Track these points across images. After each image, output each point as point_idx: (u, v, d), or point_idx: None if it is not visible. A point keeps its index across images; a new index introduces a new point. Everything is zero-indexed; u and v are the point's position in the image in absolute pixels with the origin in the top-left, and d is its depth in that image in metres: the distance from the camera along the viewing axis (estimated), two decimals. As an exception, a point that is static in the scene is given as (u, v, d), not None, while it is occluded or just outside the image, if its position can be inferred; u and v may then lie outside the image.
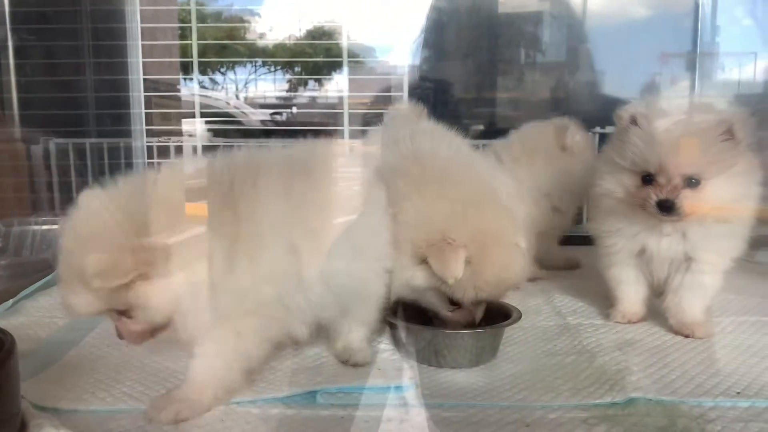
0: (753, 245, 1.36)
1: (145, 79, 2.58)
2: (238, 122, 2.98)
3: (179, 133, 2.64)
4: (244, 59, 3.04)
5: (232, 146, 1.16)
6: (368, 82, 2.78)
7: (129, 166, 2.55)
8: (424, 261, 1.15)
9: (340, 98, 2.73)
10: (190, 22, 2.60)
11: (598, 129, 2.43)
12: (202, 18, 2.76)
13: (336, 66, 2.88)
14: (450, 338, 1.18)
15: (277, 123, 3.01)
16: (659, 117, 1.27)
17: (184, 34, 2.64)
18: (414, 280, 1.18)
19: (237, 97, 3.14)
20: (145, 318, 0.98)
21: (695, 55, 2.60)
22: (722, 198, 1.26)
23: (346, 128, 2.60)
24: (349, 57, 2.64)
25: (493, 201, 1.24)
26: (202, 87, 2.86)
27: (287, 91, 3.11)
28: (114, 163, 2.51)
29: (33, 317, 1.43)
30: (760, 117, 1.31)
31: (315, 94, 3.10)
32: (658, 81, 2.65)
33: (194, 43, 2.57)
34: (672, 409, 1.00)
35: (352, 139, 2.54)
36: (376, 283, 1.18)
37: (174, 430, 0.95)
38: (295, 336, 1.10)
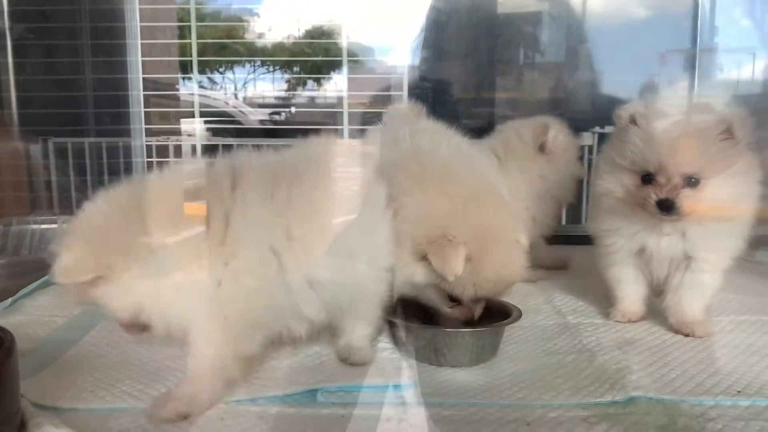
0: (753, 244, 1.36)
1: (144, 78, 2.58)
2: (237, 122, 2.98)
3: (178, 133, 2.64)
4: (243, 59, 3.03)
5: (231, 146, 1.17)
6: (367, 82, 2.78)
7: (128, 165, 2.55)
8: (424, 258, 1.15)
9: (339, 98, 2.73)
10: (188, 21, 2.60)
11: (597, 129, 2.44)
12: (200, 17, 2.75)
13: (335, 66, 2.88)
14: (450, 337, 1.18)
15: (275, 123, 3.01)
16: (659, 116, 1.27)
17: (182, 33, 2.64)
18: (414, 276, 1.18)
19: (236, 96, 3.13)
20: (112, 316, 1.02)
21: (695, 52, 2.60)
22: (722, 197, 1.26)
23: (345, 128, 2.60)
24: (348, 57, 2.64)
25: (493, 198, 1.24)
26: (201, 87, 2.85)
27: (286, 90, 3.10)
28: (113, 163, 2.51)
29: (32, 316, 1.43)
30: (759, 116, 1.31)
31: (314, 93, 3.09)
32: (657, 81, 2.65)
33: (194, 42, 2.56)
34: (672, 407, 1.00)
35: (352, 138, 2.54)
36: (376, 281, 1.18)
37: (174, 428, 0.94)
38: (292, 333, 1.12)
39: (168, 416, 0.96)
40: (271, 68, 3.10)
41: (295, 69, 3.09)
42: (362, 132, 2.04)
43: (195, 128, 2.61)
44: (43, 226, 2.13)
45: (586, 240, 1.52)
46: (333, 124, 2.72)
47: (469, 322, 1.22)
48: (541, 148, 1.75)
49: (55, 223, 2.13)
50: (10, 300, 1.50)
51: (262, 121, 3.02)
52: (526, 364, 1.19)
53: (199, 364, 1.01)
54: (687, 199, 1.23)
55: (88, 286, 0.98)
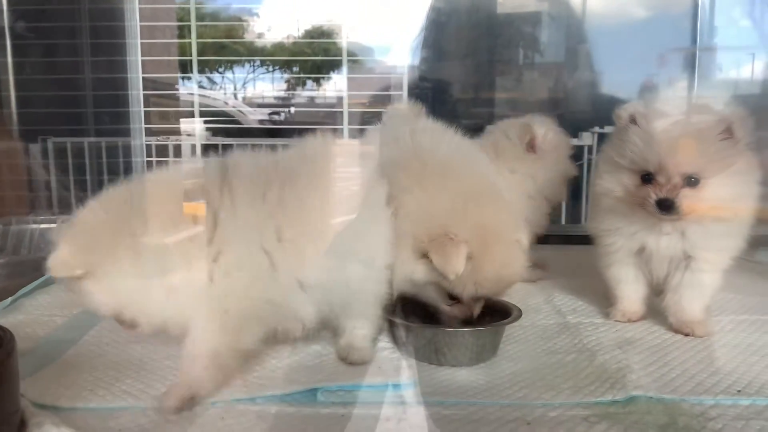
0: (752, 244, 1.36)
1: (143, 78, 2.58)
2: (236, 122, 2.97)
3: (178, 133, 2.64)
4: (243, 58, 3.03)
5: (231, 146, 1.18)
6: (367, 82, 2.78)
7: (127, 165, 2.55)
8: (425, 256, 1.15)
9: (339, 98, 2.73)
10: (188, 20, 2.60)
11: (597, 129, 2.44)
12: (200, 17, 2.75)
13: (334, 66, 2.88)
14: (450, 336, 1.18)
15: (275, 123, 3.01)
16: (658, 116, 1.27)
17: (182, 33, 2.64)
18: (415, 274, 1.18)
19: (235, 96, 3.13)
20: (98, 312, 1.06)
21: (695, 51, 2.60)
22: (721, 197, 1.26)
23: (345, 127, 2.60)
24: (347, 57, 2.64)
25: (494, 197, 1.24)
26: (201, 86, 2.85)
27: (285, 90, 3.10)
28: (112, 162, 2.51)
29: (32, 315, 1.43)
30: (759, 116, 1.31)
31: (313, 93, 3.09)
32: (656, 81, 2.65)
33: (193, 42, 2.56)
34: (673, 407, 1.00)
35: (352, 138, 2.54)
36: (372, 281, 1.18)
37: (175, 427, 0.94)
38: (287, 331, 1.13)
39: (175, 404, 0.97)
40: (270, 68, 3.10)
41: (295, 69, 3.09)
42: (362, 132, 2.04)
43: (194, 128, 2.61)
44: (43, 226, 2.12)
45: (585, 240, 1.52)
46: (333, 124, 2.71)
47: (468, 321, 1.22)
48: (529, 148, 1.73)
49: (55, 222, 2.12)
50: (9, 299, 1.50)
51: (261, 121, 3.01)
52: (526, 364, 1.19)
53: (190, 356, 1.03)
54: (687, 199, 1.23)
55: (79, 282, 1.02)
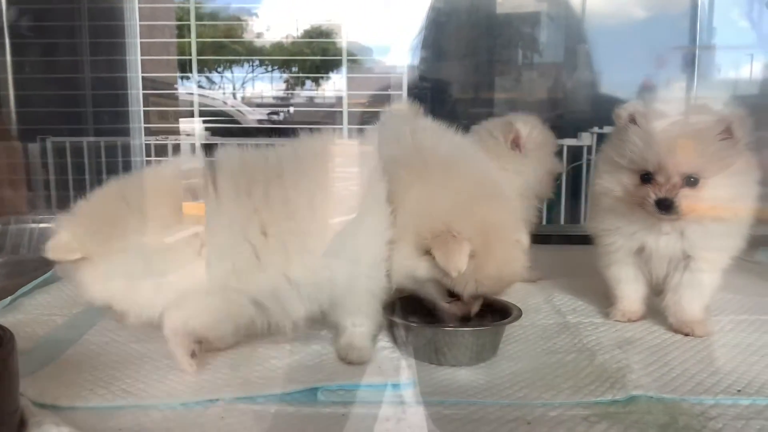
0: (752, 244, 1.36)
1: (143, 77, 2.58)
2: (235, 121, 2.97)
3: (177, 132, 2.64)
4: (242, 58, 3.03)
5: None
6: (366, 82, 2.78)
7: (126, 164, 2.55)
8: (427, 252, 1.15)
9: (338, 98, 2.73)
10: (187, 20, 2.60)
11: (596, 129, 2.44)
12: (199, 17, 2.75)
13: (334, 65, 2.88)
14: (450, 336, 1.18)
15: (274, 122, 3.01)
16: (658, 116, 1.28)
17: (181, 32, 2.64)
18: (416, 270, 1.18)
19: (234, 96, 3.13)
20: (90, 300, 1.12)
21: (694, 50, 2.60)
22: (721, 197, 1.26)
23: (345, 127, 2.60)
24: (347, 56, 2.64)
25: (497, 196, 1.24)
26: (200, 86, 2.85)
27: (284, 90, 3.10)
28: (111, 162, 2.51)
29: (31, 315, 1.42)
30: (758, 116, 1.31)
31: (312, 93, 3.09)
32: (655, 81, 2.65)
33: (193, 41, 2.56)
34: (673, 406, 1.00)
35: (351, 138, 2.54)
36: (365, 277, 1.19)
37: (175, 426, 0.94)
38: (278, 325, 1.16)
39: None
40: (269, 68, 3.10)
41: (294, 69, 3.09)
42: (361, 132, 2.04)
43: (194, 128, 2.61)
44: (42, 225, 2.12)
45: (585, 239, 1.52)
46: (332, 124, 2.71)
47: (466, 319, 1.23)
48: (514, 146, 1.73)
49: (54, 222, 2.12)
50: (9, 299, 1.50)
51: (260, 121, 3.01)
52: (526, 363, 1.19)
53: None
54: (686, 199, 1.24)
55: (76, 267, 1.08)
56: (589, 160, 2.45)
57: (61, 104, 2.57)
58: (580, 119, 2.57)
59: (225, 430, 0.93)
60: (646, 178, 1.27)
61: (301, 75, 3.05)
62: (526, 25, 2.80)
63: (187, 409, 1.00)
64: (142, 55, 2.56)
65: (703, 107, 1.33)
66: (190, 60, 2.61)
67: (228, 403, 1.00)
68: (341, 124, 2.63)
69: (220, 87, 3.13)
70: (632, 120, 1.29)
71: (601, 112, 2.38)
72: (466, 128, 1.53)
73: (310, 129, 1.29)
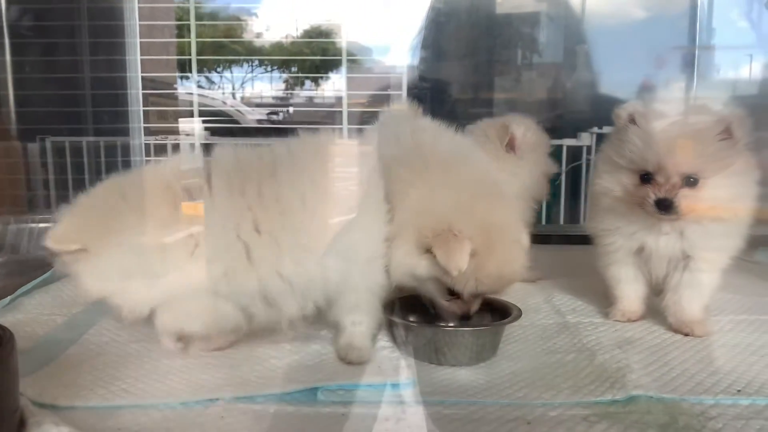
0: (751, 244, 1.36)
1: (142, 77, 2.58)
2: (235, 121, 2.97)
3: (176, 132, 2.64)
4: (241, 58, 3.03)
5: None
6: (366, 82, 2.78)
7: (126, 164, 2.55)
8: (428, 250, 1.15)
9: (337, 98, 2.73)
10: (187, 20, 2.60)
11: (595, 129, 2.44)
12: (199, 17, 2.75)
13: (333, 65, 2.88)
14: (450, 336, 1.18)
15: (273, 122, 3.01)
16: (657, 116, 1.28)
17: (181, 32, 2.64)
18: (417, 268, 1.18)
19: (233, 96, 3.13)
20: (85, 293, 1.13)
21: (694, 50, 2.60)
22: (720, 197, 1.26)
23: (344, 127, 2.60)
24: (346, 56, 2.64)
25: (498, 195, 1.24)
26: (199, 86, 2.85)
27: (284, 90, 3.10)
28: (111, 162, 2.51)
29: (31, 314, 1.42)
30: (758, 117, 1.31)
31: (312, 93, 3.10)
32: (655, 81, 2.66)
33: (192, 41, 2.56)
34: (673, 406, 1.00)
35: (350, 138, 2.54)
36: (361, 272, 1.19)
37: (175, 426, 0.94)
38: (273, 321, 1.17)
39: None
40: (269, 68, 3.10)
41: (293, 69, 3.09)
42: (360, 131, 2.04)
43: (193, 127, 2.61)
44: (41, 225, 2.12)
45: (585, 240, 1.52)
46: (331, 124, 2.72)
47: (465, 317, 1.23)
48: (509, 148, 1.73)
49: (53, 222, 2.12)
50: (8, 298, 1.50)
51: (260, 121, 3.01)
52: (526, 363, 1.19)
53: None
54: (685, 199, 1.24)
55: (72, 260, 1.10)
56: (588, 160, 2.45)
57: (60, 104, 2.57)
58: (580, 119, 2.57)
59: (225, 430, 0.93)
60: (646, 178, 1.27)
61: (300, 75, 3.05)
62: (525, 26, 2.80)
63: (186, 408, 0.99)
64: (141, 54, 2.56)
65: (703, 107, 1.33)
66: (190, 60, 2.61)
67: (228, 403, 1.00)
68: (341, 124, 2.64)
69: (219, 87, 3.13)
70: (632, 120, 1.29)
71: (600, 113, 2.38)
72: (464, 128, 1.53)
73: (310, 129, 1.30)
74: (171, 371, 1.12)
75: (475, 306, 1.23)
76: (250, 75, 3.12)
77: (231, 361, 1.17)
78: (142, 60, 2.56)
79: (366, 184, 1.22)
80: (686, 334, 1.32)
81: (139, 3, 2.56)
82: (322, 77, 3.02)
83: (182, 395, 1.03)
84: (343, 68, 2.68)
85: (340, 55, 2.71)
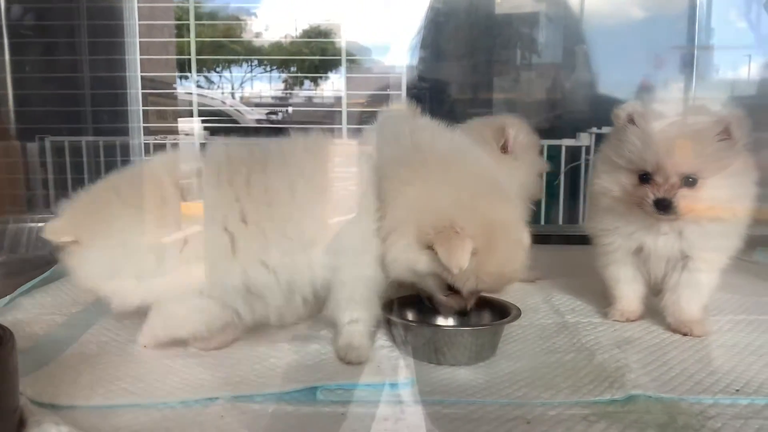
0: (749, 244, 1.36)
1: (141, 77, 2.57)
2: (234, 121, 2.97)
3: (176, 132, 2.64)
4: (240, 58, 3.03)
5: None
6: (365, 82, 2.79)
7: (125, 164, 2.54)
8: (429, 247, 1.15)
9: (337, 97, 2.73)
10: (186, 20, 2.60)
11: (594, 129, 2.45)
12: (198, 16, 2.75)
13: (332, 65, 2.88)
14: (450, 335, 1.18)
15: (272, 122, 3.01)
16: (656, 116, 1.28)
17: (180, 32, 2.64)
18: (417, 264, 1.18)
19: (233, 96, 3.13)
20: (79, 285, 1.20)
21: (693, 49, 2.61)
22: (719, 197, 1.26)
23: (344, 127, 2.60)
24: (346, 56, 2.64)
25: (501, 194, 1.24)
26: (198, 86, 2.85)
27: (283, 90, 3.10)
28: (110, 161, 2.51)
29: (30, 314, 1.42)
30: (756, 117, 1.31)
31: (311, 93, 3.10)
32: (654, 82, 2.66)
33: (192, 41, 2.56)
34: (672, 406, 1.00)
35: (349, 138, 2.55)
36: (351, 265, 1.20)
37: (174, 425, 0.94)
38: (258, 313, 1.20)
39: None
40: (268, 68, 3.10)
41: (293, 69, 3.09)
42: (359, 131, 2.04)
43: (192, 127, 2.61)
44: (40, 225, 2.11)
45: (584, 240, 1.52)
46: (331, 124, 2.72)
47: (463, 313, 1.24)
48: (504, 149, 1.73)
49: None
50: (8, 298, 1.50)
51: (259, 121, 3.01)
52: (525, 363, 1.19)
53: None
54: (684, 199, 1.24)
55: (66, 252, 1.16)
56: (587, 160, 2.45)
57: (60, 103, 2.57)
58: (579, 119, 2.58)
59: (224, 429, 0.93)
60: (645, 178, 1.27)
61: (299, 75, 3.05)
62: (524, 26, 2.80)
63: (186, 407, 0.99)
64: (141, 54, 2.56)
65: (702, 108, 1.33)
66: (189, 59, 2.61)
67: (227, 402, 1.00)
68: (340, 123, 2.64)
69: (218, 87, 3.13)
70: (631, 120, 1.29)
71: (599, 113, 2.39)
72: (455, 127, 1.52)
73: (307, 129, 1.31)
74: (170, 371, 1.12)
75: (471, 302, 1.23)
76: (249, 75, 3.12)
77: (230, 361, 1.17)
78: (141, 59, 2.56)
79: (355, 180, 1.24)
80: (685, 334, 1.33)
81: (138, 2, 2.56)
82: (321, 77, 3.02)
83: (182, 394, 1.03)
84: (343, 68, 2.68)
85: (340, 55, 2.71)
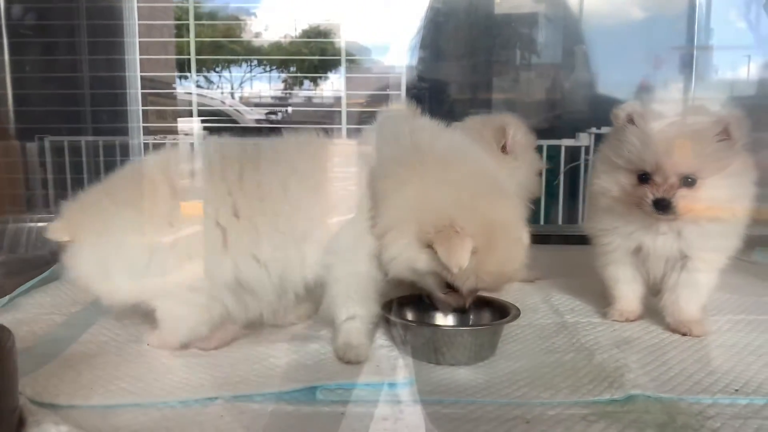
0: (748, 244, 1.36)
1: (141, 77, 2.57)
2: (233, 121, 2.98)
3: (175, 132, 2.64)
4: (240, 58, 3.03)
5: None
6: (365, 82, 2.79)
7: (125, 164, 2.54)
8: (429, 245, 1.15)
9: (336, 97, 2.73)
10: (186, 20, 2.60)
11: (594, 130, 2.45)
12: (198, 16, 2.75)
13: (332, 65, 2.88)
14: (449, 335, 1.19)
15: (272, 122, 3.01)
16: (656, 116, 1.28)
17: (180, 32, 2.64)
18: (417, 263, 1.18)
19: (232, 96, 3.13)
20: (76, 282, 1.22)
21: (692, 49, 2.61)
22: (718, 197, 1.27)
23: (344, 127, 2.60)
24: (345, 56, 2.64)
25: (501, 193, 1.24)
26: (198, 86, 2.85)
27: (283, 90, 3.10)
28: (110, 161, 2.51)
29: (30, 314, 1.42)
30: (755, 118, 1.31)
31: (310, 93, 3.10)
32: (653, 82, 2.66)
33: (191, 41, 2.56)
34: (671, 405, 1.00)
35: (349, 138, 2.55)
36: (344, 260, 1.21)
37: (174, 425, 0.94)
38: (251, 308, 1.22)
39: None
40: (267, 68, 3.10)
41: (292, 69, 3.09)
42: (359, 131, 2.04)
43: (192, 127, 2.61)
44: (40, 225, 2.11)
45: (583, 240, 1.52)
46: (330, 124, 2.72)
47: (461, 311, 1.24)
48: (504, 149, 1.74)
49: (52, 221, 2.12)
50: (7, 297, 1.50)
51: (258, 121, 3.01)
52: (524, 363, 1.19)
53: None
54: (683, 199, 1.24)
55: (65, 250, 1.19)
56: (587, 160, 2.45)
57: (59, 103, 2.57)
58: (578, 120, 2.58)
59: (224, 429, 0.94)
60: (644, 178, 1.27)
61: (299, 75, 3.06)
62: (524, 26, 2.81)
63: (185, 407, 1.00)
64: (140, 54, 2.56)
65: (701, 108, 1.33)
66: (189, 59, 2.61)
67: (227, 402, 1.00)
68: (340, 123, 2.64)
69: (218, 87, 3.13)
70: (630, 120, 1.29)
71: (598, 113, 2.39)
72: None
73: (309, 129, 1.31)
74: (170, 370, 1.12)
75: (470, 300, 1.23)
76: (248, 75, 3.12)
77: (230, 361, 1.17)
78: (141, 59, 2.56)
79: (347, 178, 1.25)
80: (684, 334, 1.33)
81: (138, 2, 2.56)
82: (320, 77, 3.02)
83: (181, 394, 1.03)
84: (342, 68, 2.68)
85: (339, 55, 2.71)
